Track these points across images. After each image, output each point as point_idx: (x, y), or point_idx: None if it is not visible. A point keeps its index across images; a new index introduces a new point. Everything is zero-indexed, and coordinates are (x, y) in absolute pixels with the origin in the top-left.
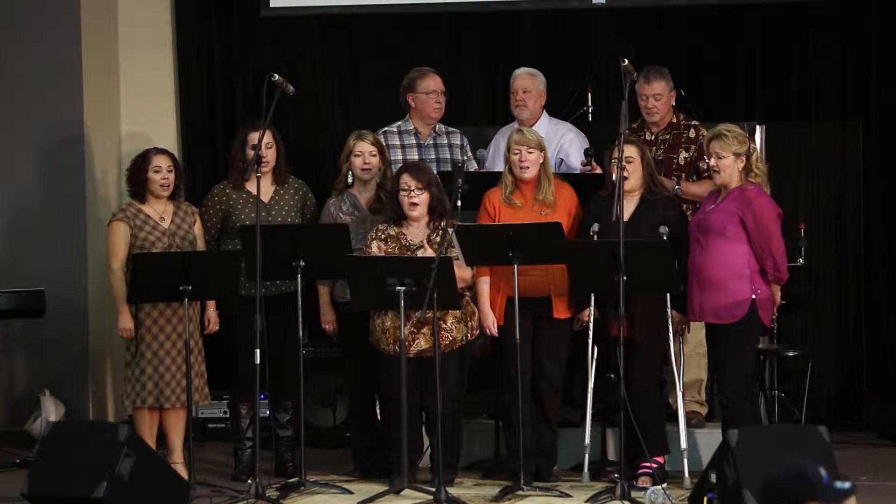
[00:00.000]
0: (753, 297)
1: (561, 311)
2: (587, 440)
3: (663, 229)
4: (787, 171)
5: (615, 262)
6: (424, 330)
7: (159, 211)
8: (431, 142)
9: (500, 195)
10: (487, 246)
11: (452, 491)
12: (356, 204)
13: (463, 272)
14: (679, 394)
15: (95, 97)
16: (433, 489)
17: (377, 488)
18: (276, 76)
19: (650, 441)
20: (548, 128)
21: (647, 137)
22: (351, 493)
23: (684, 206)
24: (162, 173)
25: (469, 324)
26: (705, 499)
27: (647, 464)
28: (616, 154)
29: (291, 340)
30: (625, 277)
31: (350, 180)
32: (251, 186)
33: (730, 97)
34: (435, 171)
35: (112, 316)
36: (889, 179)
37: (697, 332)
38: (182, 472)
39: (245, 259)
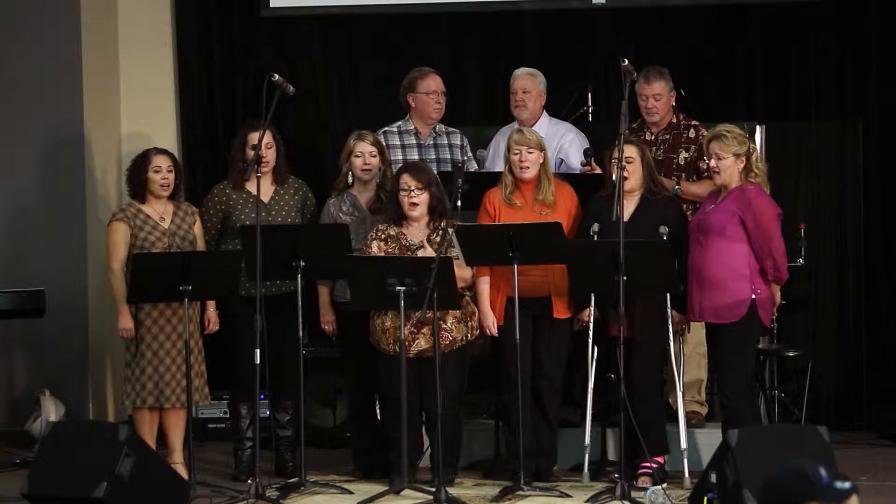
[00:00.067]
0: (753, 296)
1: (561, 311)
2: (587, 440)
3: (663, 229)
4: (787, 171)
5: (615, 262)
6: (424, 330)
7: (159, 211)
8: (431, 142)
9: (500, 195)
10: (487, 246)
11: (452, 491)
12: (356, 204)
13: (463, 272)
14: (679, 394)
15: (95, 97)
16: (433, 489)
17: (377, 488)
18: (276, 76)
19: (650, 441)
20: (548, 128)
21: (647, 137)
22: (351, 493)
23: (684, 206)
24: (162, 173)
25: (469, 324)
26: (705, 499)
27: (647, 464)
28: (616, 154)
29: (291, 340)
30: (625, 277)
31: (350, 180)
32: (251, 186)
33: (730, 97)
34: (435, 171)
35: (112, 316)
36: (889, 179)
37: (697, 332)
38: (182, 472)
39: (245, 259)
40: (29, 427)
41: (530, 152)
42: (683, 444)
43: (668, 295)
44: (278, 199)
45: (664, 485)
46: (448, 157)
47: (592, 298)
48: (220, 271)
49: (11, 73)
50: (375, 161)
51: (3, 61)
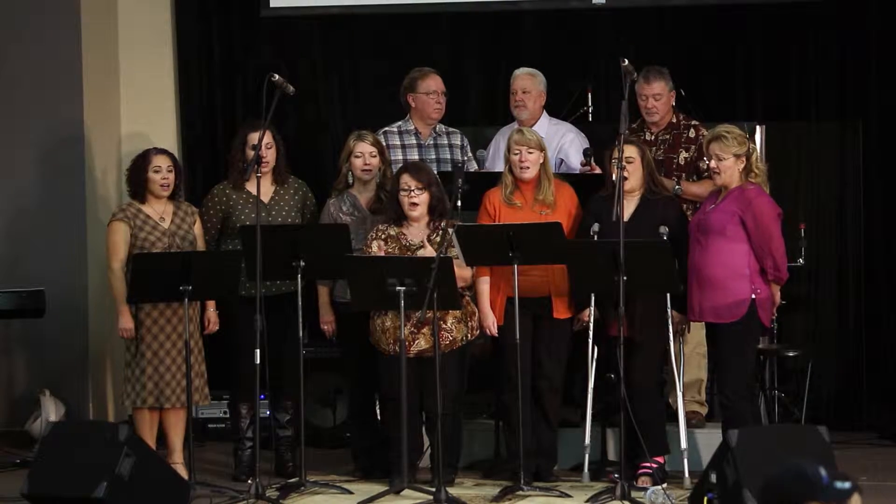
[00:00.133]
0: (753, 296)
1: (561, 311)
2: (587, 440)
3: (663, 229)
4: (787, 171)
5: (615, 262)
6: (424, 330)
7: (159, 211)
8: (432, 142)
9: (501, 195)
10: (487, 246)
11: (452, 491)
12: (356, 204)
13: (463, 271)
14: (679, 394)
15: (95, 97)
16: (433, 489)
17: (377, 488)
18: (276, 76)
19: (650, 441)
20: (548, 128)
21: (647, 137)
22: (351, 493)
23: (684, 206)
24: (162, 173)
25: (469, 324)
26: (705, 499)
27: (647, 464)
28: (616, 154)
29: (291, 340)
30: (625, 277)
31: (350, 181)
32: (251, 187)
33: (730, 97)
34: (435, 171)
35: (112, 316)
36: (889, 179)
37: (697, 332)
38: (182, 472)
39: (245, 259)
40: (29, 427)
41: (530, 152)
42: (683, 444)
43: (668, 295)
44: (278, 199)
45: (664, 485)
46: (448, 157)
47: (592, 298)
48: (220, 271)
49: (11, 73)
50: (375, 161)
51: (3, 61)
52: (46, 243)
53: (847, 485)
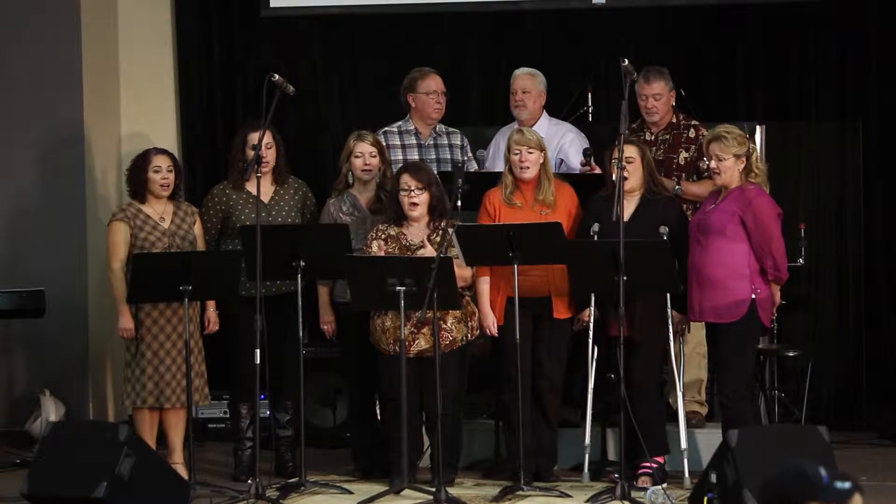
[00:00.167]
0: (753, 296)
1: (561, 311)
2: (587, 440)
3: (663, 229)
4: (787, 171)
5: (615, 262)
6: (424, 330)
7: (159, 211)
8: (432, 142)
9: (501, 195)
10: (487, 246)
11: (452, 491)
12: (356, 204)
13: (463, 271)
14: (679, 394)
15: (95, 97)
16: (433, 489)
17: (377, 488)
18: (276, 76)
19: (650, 441)
20: (548, 128)
21: (647, 137)
22: (351, 493)
23: (684, 206)
24: (162, 173)
25: (469, 324)
26: (705, 499)
27: (647, 464)
28: (616, 154)
29: (291, 340)
30: (625, 277)
31: (350, 181)
32: (251, 187)
33: (730, 97)
34: (435, 171)
35: (112, 316)
36: (889, 179)
37: (697, 332)
38: (182, 472)
39: (245, 259)
40: (29, 427)
41: (530, 152)
42: (683, 444)
43: (668, 295)
44: (278, 199)
45: (664, 485)
46: (448, 157)
47: (592, 298)
48: (220, 271)
49: (11, 73)
50: (375, 161)
51: (3, 61)
52: (46, 243)
53: (847, 485)
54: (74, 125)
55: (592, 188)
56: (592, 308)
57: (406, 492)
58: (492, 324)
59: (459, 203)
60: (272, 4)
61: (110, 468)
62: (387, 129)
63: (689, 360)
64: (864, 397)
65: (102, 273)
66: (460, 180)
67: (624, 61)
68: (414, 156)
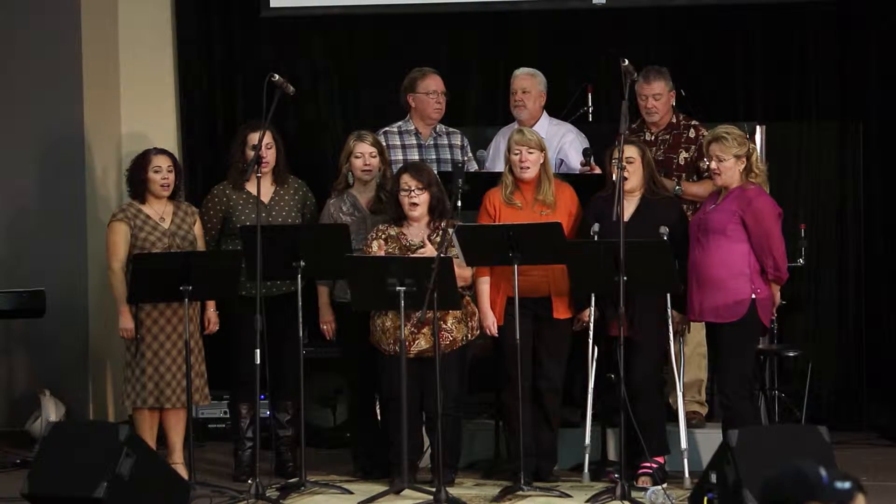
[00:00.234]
0: (753, 296)
1: (561, 312)
2: (587, 440)
3: (664, 230)
4: (787, 171)
5: (615, 262)
6: (425, 330)
7: (159, 211)
8: (432, 142)
9: (501, 195)
10: (487, 246)
11: (452, 491)
12: (356, 204)
13: (463, 271)
14: (679, 394)
15: (95, 97)
16: (433, 489)
17: (377, 488)
18: (276, 76)
19: (650, 441)
20: (548, 128)
21: (647, 137)
22: (351, 493)
23: (684, 206)
24: (162, 173)
25: (469, 324)
26: (705, 499)
27: (648, 464)
28: (616, 154)
29: (291, 341)
30: (625, 277)
31: (350, 181)
32: (251, 187)
33: (730, 97)
34: (435, 171)
35: (112, 316)
36: (889, 179)
37: (697, 332)
38: (182, 472)
39: (245, 259)
40: (29, 427)
41: (531, 152)
42: (683, 444)
43: (668, 295)
44: (278, 199)
45: (664, 485)
46: (448, 157)
47: (592, 298)
48: (220, 271)
49: (11, 73)
50: (375, 161)
51: (3, 61)
52: (46, 243)
53: (847, 485)
54: (74, 125)
55: (592, 188)
56: (592, 308)
57: (406, 492)
58: (492, 324)
59: (459, 203)
60: (272, 4)
61: (110, 468)
62: (387, 129)
63: (689, 360)
64: (864, 397)
65: (102, 273)
66: (460, 180)
67: (624, 61)
68: (414, 156)
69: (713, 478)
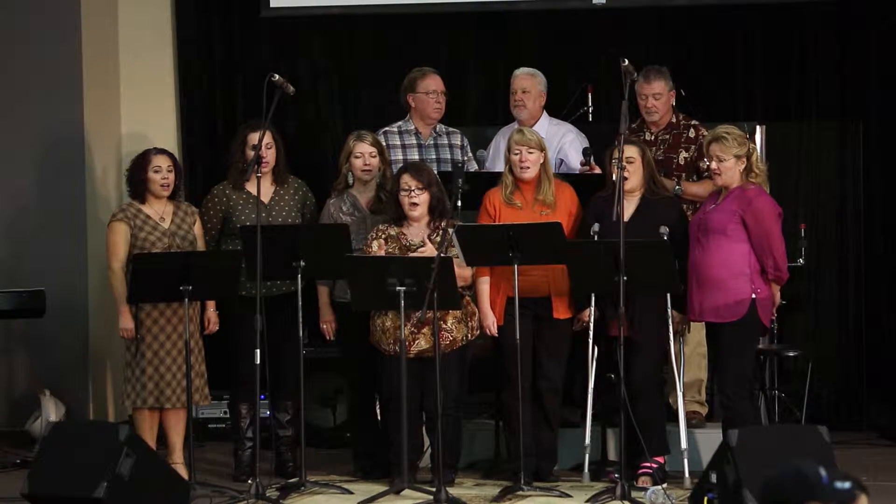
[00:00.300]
0: (753, 296)
1: (561, 312)
2: (587, 440)
3: (664, 230)
4: (787, 171)
5: (615, 262)
6: (425, 330)
7: (159, 211)
8: (432, 142)
9: (501, 195)
10: (487, 246)
11: (453, 491)
12: (356, 204)
13: (463, 271)
14: (679, 394)
15: (95, 97)
16: (433, 489)
17: (377, 488)
18: (276, 76)
19: (650, 441)
20: (548, 128)
21: (647, 137)
22: (351, 493)
23: (684, 206)
24: (162, 173)
25: (469, 324)
26: (705, 499)
27: (648, 464)
28: (616, 154)
29: (292, 340)
30: (625, 277)
31: (350, 181)
32: (251, 187)
33: (730, 97)
34: (435, 172)
35: (112, 316)
36: (889, 179)
37: (697, 332)
38: (182, 472)
39: (245, 259)
40: (29, 427)
41: (531, 152)
42: (683, 444)
43: (668, 295)
44: (278, 199)
45: (664, 485)
46: (448, 157)
47: (593, 298)
48: (220, 271)
49: (11, 73)
50: (375, 161)
51: (3, 61)
52: (46, 243)
53: (847, 485)
54: (74, 125)
55: (592, 188)
56: (592, 308)
57: (406, 492)
58: (492, 324)
59: (459, 203)
60: (272, 4)
61: (110, 468)
62: (387, 129)
63: (689, 360)
64: (864, 397)
65: (102, 273)
66: (460, 180)
67: (624, 61)
68: (414, 156)
69: (713, 478)
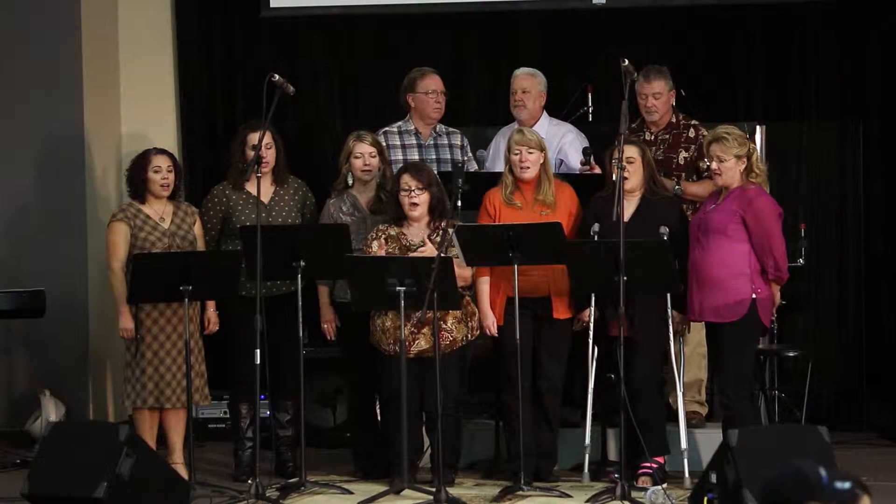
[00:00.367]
0: (754, 296)
1: (561, 312)
2: (587, 440)
3: (664, 230)
4: (787, 171)
5: (615, 262)
6: (425, 330)
7: (159, 211)
8: (432, 142)
9: (501, 195)
10: (487, 246)
11: (453, 491)
12: (356, 204)
13: (463, 271)
14: (679, 394)
15: (95, 97)
16: (433, 489)
17: (377, 488)
18: (276, 76)
19: (650, 441)
20: (548, 128)
21: (647, 137)
22: (351, 493)
23: (684, 205)
24: (162, 173)
25: (469, 324)
26: (705, 499)
27: (647, 464)
28: (616, 154)
29: (292, 340)
30: (625, 277)
31: (350, 181)
32: (251, 187)
33: (730, 97)
34: (435, 172)
35: (112, 316)
36: (889, 179)
37: (697, 332)
38: (182, 472)
39: (245, 259)
40: (29, 427)
41: (530, 152)
42: (683, 444)
43: (668, 295)
44: (278, 199)
45: (664, 485)
46: (448, 157)
47: (593, 298)
48: (220, 271)
49: (11, 73)
50: (375, 161)
51: (3, 61)
52: (46, 243)
53: (847, 485)
54: (74, 125)
55: (592, 188)
56: (592, 308)
57: (406, 492)
58: (492, 324)
59: (459, 203)
60: (272, 4)
61: (110, 468)
62: (387, 129)
63: (689, 360)
64: (864, 397)
65: (102, 273)
66: (460, 180)
67: (624, 61)
68: (414, 156)
69: (713, 478)
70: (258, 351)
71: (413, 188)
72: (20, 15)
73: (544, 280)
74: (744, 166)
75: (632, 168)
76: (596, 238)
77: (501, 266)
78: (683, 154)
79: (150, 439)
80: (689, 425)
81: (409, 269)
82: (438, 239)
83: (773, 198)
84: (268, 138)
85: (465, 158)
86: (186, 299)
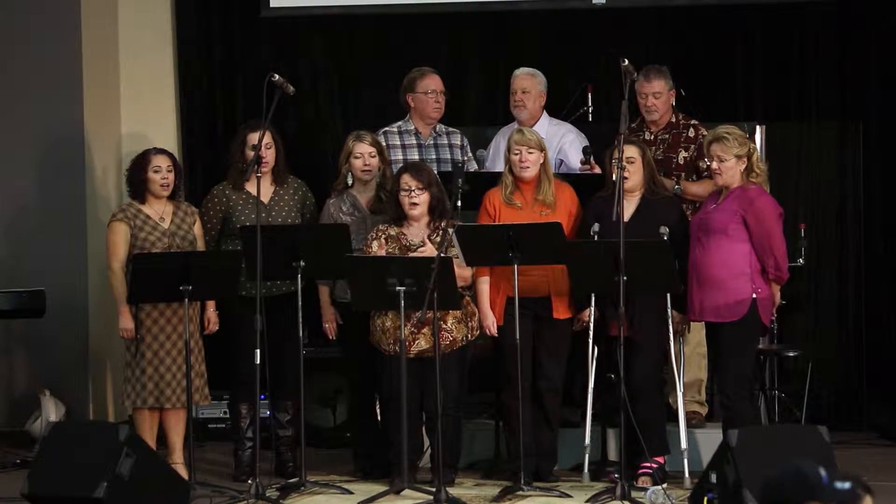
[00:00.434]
0: (754, 296)
1: (561, 312)
2: (587, 440)
3: (664, 230)
4: (787, 171)
5: (615, 262)
6: (425, 330)
7: (159, 211)
8: (432, 142)
9: (501, 195)
10: (487, 246)
11: (453, 491)
12: (356, 204)
13: (463, 271)
14: (679, 394)
15: (95, 97)
16: (433, 489)
17: (377, 488)
18: (276, 76)
19: (650, 441)
20: (548, 128)
21: (647, 137)
22: (351, 493)
23: (684, 205)
24: (162, 173)
25: (469, 324)
26: (705, 499)
27: (648, 464)
28: (616, 154)
29: (292, 340)
30: (625, 277)
31: (349, 181)
32: (251, 187)
33: (730, 97)
34: (435, 172)
35: (112, 316)
36: (889, 179)
37: (697, 332)
38: (182, 472)
39: (245, 259)
40: (29, 427)
41: (530, 152)
42: (683, 444)
43: (668, 295)
44: (278, 199)
45: (664, 485)
46: (448, 157)
47: (593, 298)
48: (220, 271)
49: (11, 73)
50: (375, 161)
51: (3, 61)
52: (46, 243)
53: (847, 485)
54: (74, 125)
55: (592, 188)
56: (592, 308)
57: (406, 492)
58: (492, 324)
59: (459, 203)
60: (272, 4)
61: (110, 468)
62: (387, 129)
63: (689, 360)
64: (864, 397)
65: (102, 273)
66: (460, 180)
67: (624, 61)
68: (414, 156)
69: (713, 478)
70: (258, 351)
71: (413, 188)
72: (20, 15)
73: (544, 280)
74: (744, 166)
75: (632, 168)
76: (596, 238)
77: (501, 266)
78: (683, 154)
79: (150, 439)
80: (689, 425)
81: (409, 269)
82: (438, 239)
83: (773, 198)
84: (268, 138)
85: (465, 158)
86: (186, 299)
